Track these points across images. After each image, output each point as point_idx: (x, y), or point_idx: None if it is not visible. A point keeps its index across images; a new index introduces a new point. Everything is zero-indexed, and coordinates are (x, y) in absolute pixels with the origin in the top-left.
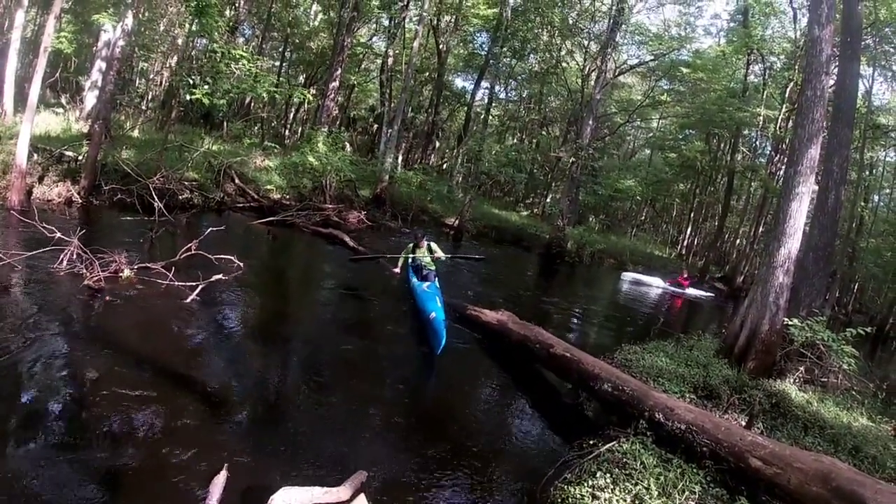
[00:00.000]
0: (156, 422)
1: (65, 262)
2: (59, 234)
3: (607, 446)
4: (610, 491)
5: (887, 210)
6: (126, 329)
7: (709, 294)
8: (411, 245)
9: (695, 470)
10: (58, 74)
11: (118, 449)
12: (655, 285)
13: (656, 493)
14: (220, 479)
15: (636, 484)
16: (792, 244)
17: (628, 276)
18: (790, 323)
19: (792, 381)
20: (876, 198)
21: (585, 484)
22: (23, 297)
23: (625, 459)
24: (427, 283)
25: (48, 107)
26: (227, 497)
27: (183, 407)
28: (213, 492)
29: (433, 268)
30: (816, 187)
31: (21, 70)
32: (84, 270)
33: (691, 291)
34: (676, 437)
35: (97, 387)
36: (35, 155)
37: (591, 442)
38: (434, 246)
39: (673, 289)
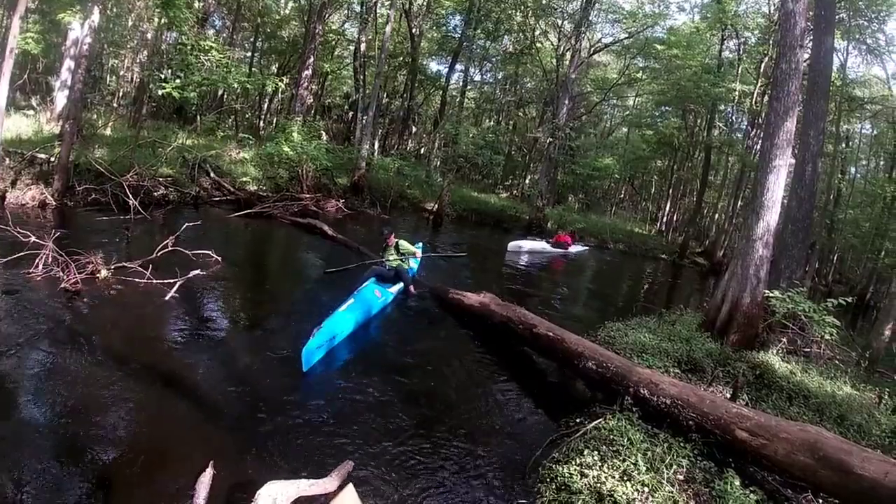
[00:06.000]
0: (140, 421)
1: (40, 266)
2: (33, 238)
3: (594, 424)
4: (598, 468)
5: (864, 182)
6: (105, 330)
7: (586, 247)
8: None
9: (682, 444)
10: (26, 76)
11: (103, 450)
12: (542, 249)
13: (644, 468)
14: (206, 476)
15: (624, 460)
16: (770, 217)
17: (515, 245)
18: (771, 295)
19: (775, 352)
20: (853, 170)
21: (573, 462)
22: None
23: (611, 436)
24: (362, 287)
25: (18, 109)
26: (213, 493)
27: (166, 405)
28: (199, 489)
29: (395, 265)
30: (793, 160)
31: None
32: (60, 273)
33: (574, 249)
34: (662, 412)
35: (78, 389)
36: (7, 159)
37: (578, 420)
38: (404, 244)
39: (556, 249)
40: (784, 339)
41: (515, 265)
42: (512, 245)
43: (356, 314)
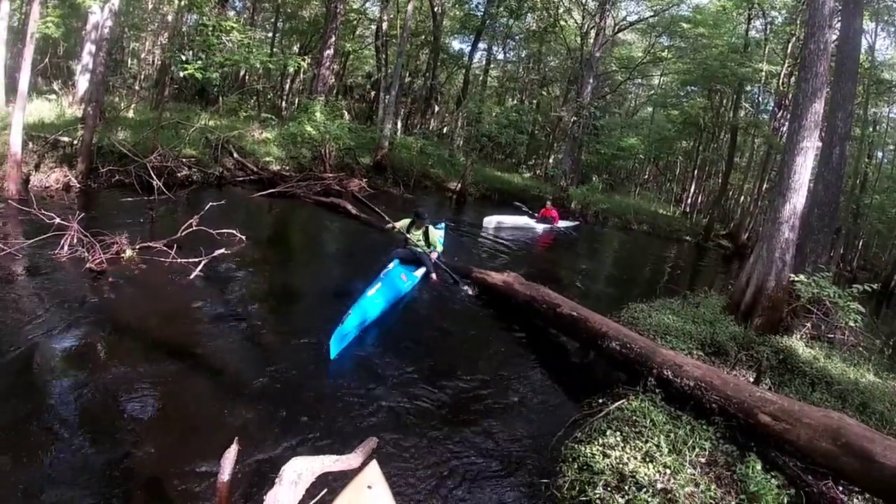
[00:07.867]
0: (165, 399)
1: (66, 248)
2: (58, 220)
3: (616, 404)
4: (620, 449)
5: (891, 166)
6: (131, 309)
7: (575, 223)
8: (409, 221)
9: (704, 427)
10: (47, 60)
11: (129, 427)
12: (525, 225)
13: (666, 450)
14: (231, 453)
15: (646, 441)
16: (797, 200)
17: (492, 220)
18: (796, 279)
19: (799, 337)
20: (880, 154)
21: (596, 442)
22: (26, 285)
23: (634, 417)
24: (388, 269)
25: (40, 94)
26: (239, 470)
27: (191, 384)
28: (224, 465)
29: (419, 249)
30: (820, 143)
31: (10, 60)
32: (86, 254)
33: (561, 224)
34: (685, 394)
35: (105, 368)
36: (30, 143)
37: (601, 400)
38: (433, 232)
39: (544, 225)
40: (808, 325)
41: (515, 240)
42: (487, 220)
43: (384, 298)
